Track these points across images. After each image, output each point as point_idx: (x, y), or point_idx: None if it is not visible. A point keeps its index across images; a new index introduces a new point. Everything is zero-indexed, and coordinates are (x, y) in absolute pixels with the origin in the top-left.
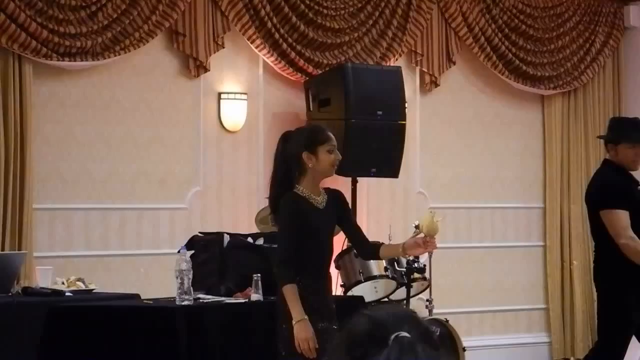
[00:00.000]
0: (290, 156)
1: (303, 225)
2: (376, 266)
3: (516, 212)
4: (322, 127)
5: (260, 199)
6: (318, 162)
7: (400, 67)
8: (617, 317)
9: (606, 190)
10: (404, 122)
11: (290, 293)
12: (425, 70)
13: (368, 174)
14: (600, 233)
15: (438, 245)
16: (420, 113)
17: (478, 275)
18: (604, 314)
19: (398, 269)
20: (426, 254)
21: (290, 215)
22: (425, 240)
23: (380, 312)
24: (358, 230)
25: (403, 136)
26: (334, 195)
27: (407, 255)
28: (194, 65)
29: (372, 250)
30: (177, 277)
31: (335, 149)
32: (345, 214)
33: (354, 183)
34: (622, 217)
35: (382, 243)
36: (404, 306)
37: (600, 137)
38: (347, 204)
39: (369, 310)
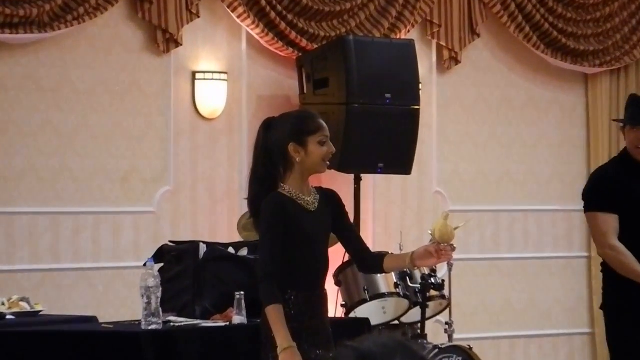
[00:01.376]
0: (273, 148)
1: (290, 232)
2: (384, 282)
3: (554, 216)
4: (312, 114)
5: (243, 201)
6: (307, 155)
7: (413, 40)
8: (616, 339)
9: (591, 189)
10: (417, 107)
11: (275, 315)
12: (444, 45)
13: (374, 170)
14: None
15: (459, 255)
16: (438, 96)
17: (508, 293)
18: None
19: (411, 285)
20: (445, 267)
21: (274, 219)
22: (439, 248)
23: (367, 344)
24: (357, 237)
25: (417, 124)
26: (328, 196)
27: (416, 267)
28: (163, 39)
29: (374, 261)
30: (142, 296)
31: (329, 140)
32: (341, 218)
33: (357, 181)
34: (601, 222)
35: (387, 253)
36: (412, 331)
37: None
38: (344, 206)
39: (354, 341)
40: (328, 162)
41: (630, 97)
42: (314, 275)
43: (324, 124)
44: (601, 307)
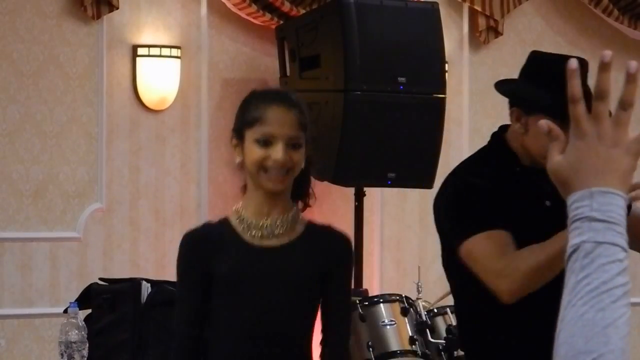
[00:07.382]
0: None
1: (213, 280)
2: (396, 336)
3: None
4: (268, 92)
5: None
6: (245, 157)
7: (437, 3)
8: None
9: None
10: (442, 96)
11: None
12: (479, 10)
13: (382, 182)
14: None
15: None
16: (470, 81)
17: None
18: None
19: (433, 340)
20: None
21: (185, 263)
22: None
23: None
24: (333, 318)
25: (441, 119)
26: (325, 240)
27: None
28: (92, 0)
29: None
30: (62, 355)
31: (280, 142)
32: (331, 284)
33: (359, 197)
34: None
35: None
36: None
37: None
38: (347, 269)
39: None
40: (275, 177)
41: (538, 61)
42: (255, 344)
43: (279, 114)
44: None
